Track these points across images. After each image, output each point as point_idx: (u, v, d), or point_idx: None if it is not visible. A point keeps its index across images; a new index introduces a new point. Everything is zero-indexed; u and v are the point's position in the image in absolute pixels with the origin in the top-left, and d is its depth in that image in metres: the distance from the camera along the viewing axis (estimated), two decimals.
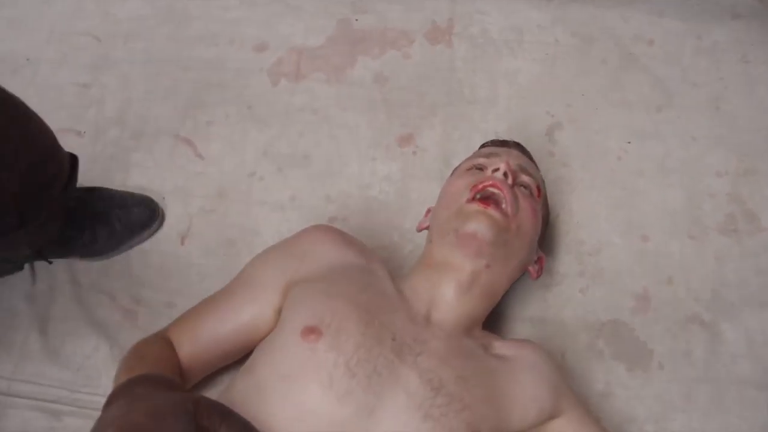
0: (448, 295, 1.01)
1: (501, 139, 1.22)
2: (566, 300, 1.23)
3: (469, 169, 1.11)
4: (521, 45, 1.46)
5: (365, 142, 1.36)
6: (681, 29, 1.48)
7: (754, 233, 1.30)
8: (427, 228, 1.14)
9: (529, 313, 1.22)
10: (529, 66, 1.44)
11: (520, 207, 1.04)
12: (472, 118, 1.38)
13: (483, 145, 1.23)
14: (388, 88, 1.41)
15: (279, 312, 1.02)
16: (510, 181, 1.05)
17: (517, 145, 1.20)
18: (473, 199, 1.03)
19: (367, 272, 1.04)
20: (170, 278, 1.24)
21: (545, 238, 1.24)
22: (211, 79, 1.42)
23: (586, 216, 1.30)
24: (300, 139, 1.36)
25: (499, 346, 1.04)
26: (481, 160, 1.11)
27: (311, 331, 0.91)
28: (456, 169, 1.19)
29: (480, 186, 1.04)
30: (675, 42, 1.47)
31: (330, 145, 1.36)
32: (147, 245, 1.27)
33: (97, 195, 1.24)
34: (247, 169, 1.33)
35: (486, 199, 1.03)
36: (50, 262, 1.20)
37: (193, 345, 1.02)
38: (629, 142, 1.37)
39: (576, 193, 1.32)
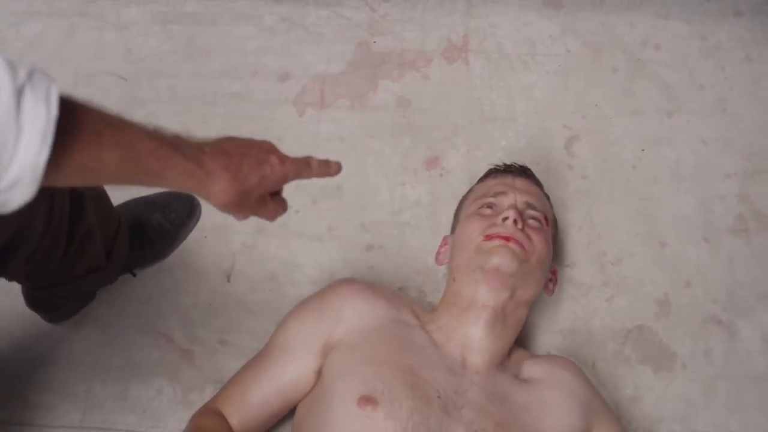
0: (479, 335, 1.09)
1: (505, 165, 1.28)
2: (594, 310, 1.33)
3: (479, 209, 1.18)
4: (534, 58, 1.51)
5: (393, 168, 1.43)
6: (686, 31, 1.53)
7: (762, 232, 1.39)
8: (447, 263, 1.23)
9: (560, 326, 1.32)
10: (544, 79, 1.50)
11: (534, 242, 1.13)
12: (492, 136, 1.45)
13: (488, 173, 1.29)
14: (411, 111, 1.47)
15: (318, 372, 1.10)
16: (520, 225, 1.12)
17: (522, 172, 1.26)
18: (491, 237, 1.12)
19: (400, 325, 1.12)
20: (220, 316, 1.32)
21: (560, 250, 1.34)
22: (238, 112, 1.47)
23: (606, 227, 1.39)
24: None
25: (530, 367, 1.14)
26: (490, 200, 1.19)
27: (367, 401, 0.99)
28: (464, 203, 1.26)
29: (493, 235, 1.12)
30: (681, 45, 1.52)
31: (360, 173, 1.42)
32: (196, 283, 1.35)
33: (135, 206, 1.32)
34: None
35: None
36: (134, 275, 1.30)
37: (242, 414, 1.10)
38: (643, 150, 1.44)
39: (596, 205, 1.40)
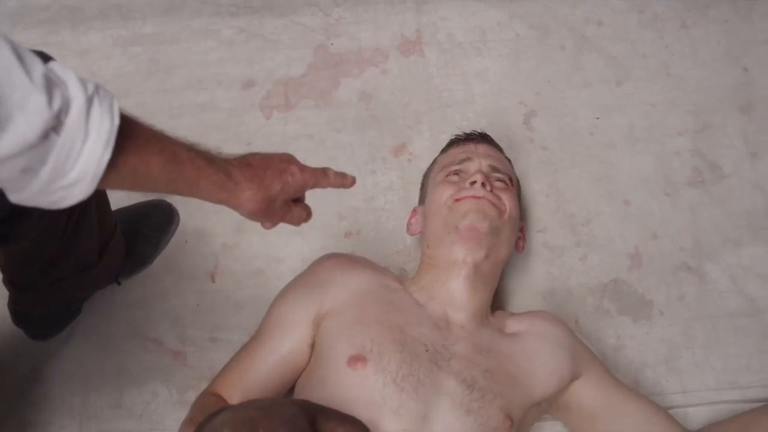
0: (459, 291, 1.14)
1: (465, 133, 1.33)
2: (569, 270, 1.38)
3: (447, 176, 1.23)
4: (486, 44, 1.58)
5: (362, 158, 1.47)
6: (624, 6, 1.63)
7: (718, 181, 1.46)
8: (419, 233, 1.27)
9: (540, 289, 1.37)
10: (497, 63, 1.57)
11: (503, 200, 1.18)
12: (453, 119, 1.51)
13: (450, 142, 1.33)
14: (374, 104, 1.52)
15: (312, 345, 1.12)
16: (489, 188, 1.18)
17: (483, 138, 1.31)
18: (462, 199, 1.16)
19: (385, 289, 1.16)
20: (209, 315, 1.34)
21: (531, 216, 1.41)
22: (206, 121, 1.51)
23: (572, 191, 1.45)
24: None
25: (513, 323, 1.18)
26: (456, 167, 1.23)
27: (357, 360, 1.03)
28: (430, 174, 1.30)
29: (464, 197, 1.16)
30: (621, 19, 1.62)
31: (331, 166, 1.44)
32: (182, 286, 1.36)
33: (115, 216, 1.34)
34: None
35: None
36: (119, 283, 1.31)
37: (243, 393, 1.09)
38: (597, 118, 1.51)
39: (559, 172, 1.46)
